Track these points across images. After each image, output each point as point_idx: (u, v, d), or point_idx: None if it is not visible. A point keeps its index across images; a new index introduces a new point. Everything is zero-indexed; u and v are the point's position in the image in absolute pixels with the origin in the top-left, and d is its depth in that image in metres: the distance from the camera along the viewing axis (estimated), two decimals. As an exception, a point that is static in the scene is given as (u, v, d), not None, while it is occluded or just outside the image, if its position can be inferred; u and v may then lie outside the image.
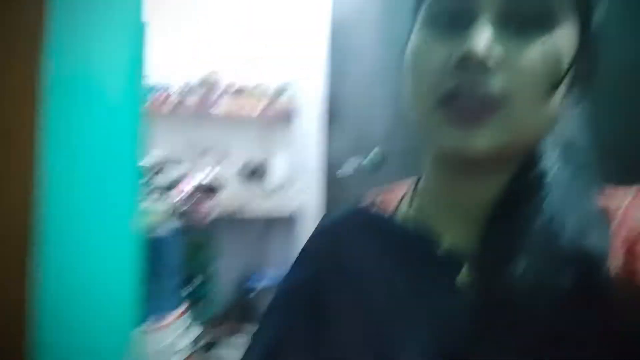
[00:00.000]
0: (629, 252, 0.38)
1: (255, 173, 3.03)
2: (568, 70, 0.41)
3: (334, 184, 1.98)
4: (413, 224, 0.50)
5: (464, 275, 0.44)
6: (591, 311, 0.37)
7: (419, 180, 0.54)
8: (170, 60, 2.69)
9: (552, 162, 0.44)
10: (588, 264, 0.38)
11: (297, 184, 2.94)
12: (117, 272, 1.33)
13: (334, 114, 1.99)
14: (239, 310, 2.89)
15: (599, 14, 0.43)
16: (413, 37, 0.45)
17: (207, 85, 2.80)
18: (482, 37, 0.39)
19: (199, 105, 2.74)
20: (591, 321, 0.37)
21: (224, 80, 2.86)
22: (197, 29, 2.83)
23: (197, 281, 2.51)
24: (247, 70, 2.95)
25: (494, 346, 0.38)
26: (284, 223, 3.03)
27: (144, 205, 1.75)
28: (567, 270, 0.38)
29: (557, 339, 0.36)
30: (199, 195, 2.47)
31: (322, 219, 0.60)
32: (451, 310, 0.42)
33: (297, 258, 0.55)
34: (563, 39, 0.40)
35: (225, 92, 2.84)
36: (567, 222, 0.40)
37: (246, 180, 3.03)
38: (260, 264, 3.09)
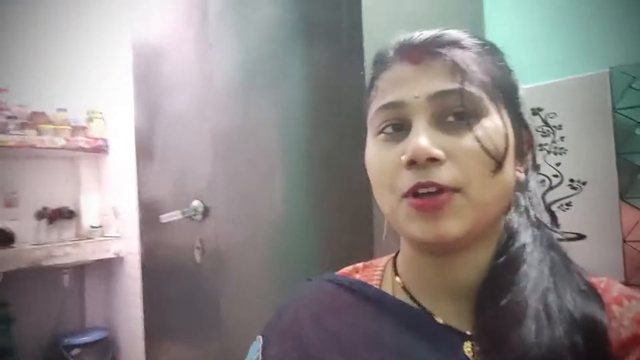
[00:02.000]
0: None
1: (60, 215, 2.58)
2: (506, 147, 0.47)
3: (152, 226, 1.74)
4: (403, 298, 0.52)
5: (468, 346, 0.46)
6: None
7: (395, 257, 0.58)
8: None
9: (526, 237, 0.49)
10: (588, 330, 0.42)
11: (112, 226, 2.59)
12: None
13: (147, 151, 1.75)
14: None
15: (519, 102, 0.51)
16: (368, 145, 0.52)
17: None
18: (423, 138, 0.45)
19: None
20: None
21: (13, 103, 2.38)
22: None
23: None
24: (44, 93, 2.49)
25: None
26: (100, 269, 2.67)
27: None
28: (569, 335, 0.41)
29: None
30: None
31: (297, 288, 0.60)
32: None
33: (275, 325, 0.55)
34: (493, 124, 0.47)
35: (12, 118, 2.34)
36: (562, 292, 0.44)
37: (48, 224, 2.56)
38: (77, 317, 2.68)
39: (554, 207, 1.13)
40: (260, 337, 0.56)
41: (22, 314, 2.32)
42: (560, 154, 1.03)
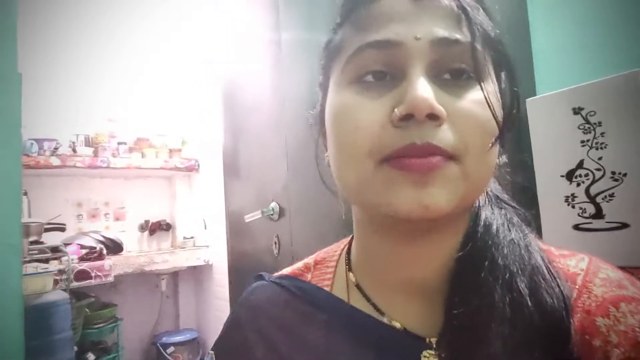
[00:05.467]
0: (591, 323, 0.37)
1: (159, 227, 2.93)
2: (504, 119, 0.39)
3: (238, 233, 1.97)
4: (357, 299, 0.46)
5: (426, 356, 0.40)
6: None
7: (349, 249, 0.51)
8: (58, 111, 2.56)
9: (492, 218, 0.42)
10: (552, 323, 0.37)
11: (202, 236, 2.88)
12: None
13: (233, 166, 2.02)
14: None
15: (514, 71, 0.42)
16: (335, 96, 0.41)
17: (102, 137, 2.68)
18: (425, 87, 0.35)
19: (93, 159, 2.56)
20: None
21: (121, 132, 2.76)
22: (89, 78, 2.73)
23: (101, 345, 2.34)
24: (146, 122, 2.89)
25: None
26: (192, 275, 2.95)
27: (27, 268, 1.60)
28: (536, 334, 0.36)
29: None
30: (95, 255, 2.33)
31: (252, 289, 0.53)
32: None
33: (226, 345, 0.50)
34: (493, 89, 0.39)
35: (122, 144, 2.73)
36: (525, 284, 0.38)
37: (150, 234, 2.92)
38: (172, 319, 2.96)
39: (598, 199, 1.17)
40: (212, 354, 0.51)
41: (127, 314, 2.60)
42: (601, 148, 1.08)
